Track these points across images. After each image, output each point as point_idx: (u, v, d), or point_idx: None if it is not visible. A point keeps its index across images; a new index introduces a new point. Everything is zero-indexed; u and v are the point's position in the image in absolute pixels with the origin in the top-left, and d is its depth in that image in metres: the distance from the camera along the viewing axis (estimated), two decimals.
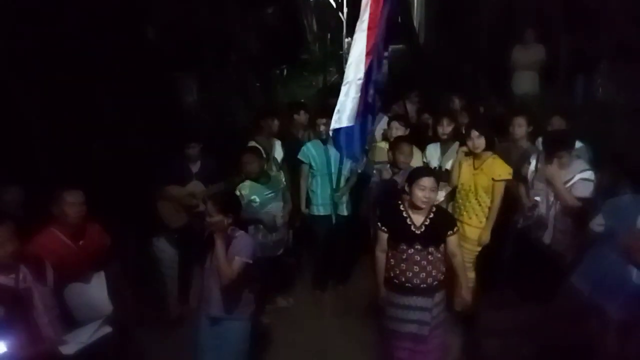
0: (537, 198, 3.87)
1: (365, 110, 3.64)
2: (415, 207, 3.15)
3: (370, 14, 3.51)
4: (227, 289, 3.11)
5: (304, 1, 10.26)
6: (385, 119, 5.24)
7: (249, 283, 3.24)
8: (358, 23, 3.57)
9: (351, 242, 4.75)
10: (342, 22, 12.22)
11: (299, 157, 4.45)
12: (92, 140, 4.84)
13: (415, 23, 10.96)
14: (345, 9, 12.12)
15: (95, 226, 3.35)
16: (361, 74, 3.51)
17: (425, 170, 3.32)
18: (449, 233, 3.20)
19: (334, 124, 3.58)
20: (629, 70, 4.93)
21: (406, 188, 3.21)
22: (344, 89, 3.54)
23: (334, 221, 4.49)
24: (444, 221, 3.23)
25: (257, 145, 4.49)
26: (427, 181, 3.08)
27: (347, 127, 3.57)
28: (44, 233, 3.13)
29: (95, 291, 3.24)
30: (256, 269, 3.86)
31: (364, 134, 3.75)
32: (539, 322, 3.89)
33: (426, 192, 3.07)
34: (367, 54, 3.51)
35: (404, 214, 3.19)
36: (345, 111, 3.53)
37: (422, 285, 3.17)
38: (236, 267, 3.04)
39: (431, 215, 3.18)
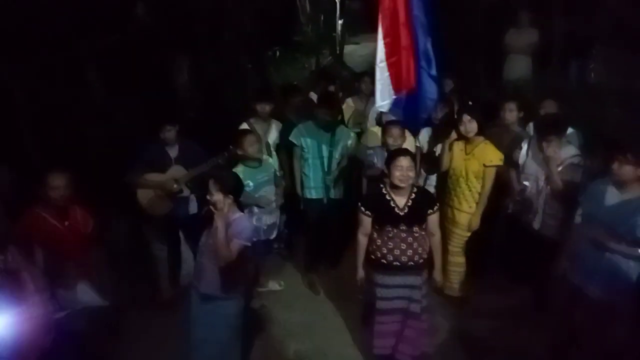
0: (526, 183, 3.90)
1: (419, 82, 3.88)
2: (396, 188, 3.24)
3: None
4: (221, 268, 3.11)
5: None
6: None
7: (242, 263, 3.24)
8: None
9: (343, 225, 4.77)
10: (336, 3, 12.09)
11: (289, 138, 4.42)
12: (80, 123, 4.77)
13: None
14: None
15: (79, 209, 3.41)
16: (381, 56, 3.81)
17: (401, 150, 3.37)
18: (429, 212, 3.31)
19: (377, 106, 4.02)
20: (622, 54, 4.92)
21: (385, 170, 3.33)
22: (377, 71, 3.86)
23: (325, 204, 4.48)
24: (425, 200, 3.35)
25: (252, 128, 4.45)
26: (403, 160, 3.19)
27: (399, 100, 3.91)
28: (30, 214, 3.22)
29: (84, 297, 3.33)
30: (250, 251, 3.87)
31: (421, 104, 3.99)
32: (528, 305, 3.97)
33: (403, 171, 3.18)
34: (383, 37, 3.76)
35: (387, 197, 3.28)
36: (378, 92, 3.89)
37: (409, 263, 3.27)
38: (235, 249, 3.04)
39: (413, 196, 3.28)
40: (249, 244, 3.16)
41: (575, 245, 3.21)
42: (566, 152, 3.71)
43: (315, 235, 4.66)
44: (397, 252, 3.26)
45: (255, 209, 4.10)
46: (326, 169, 4.41)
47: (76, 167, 3.44)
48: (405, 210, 3.25)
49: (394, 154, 3.30)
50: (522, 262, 3.97)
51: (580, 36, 5.65)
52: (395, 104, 4.00)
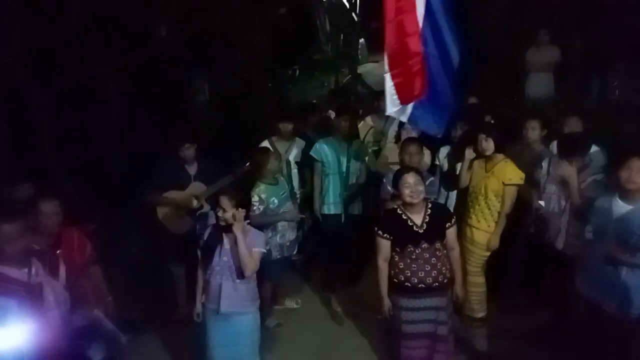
0: (541, 202, 3.85)
1: (434, 88, 3.84)
2: (409, 205, 3.20)
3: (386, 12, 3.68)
4: (241, 283, 3.18)
5: (317, 1, 10.25)
6: (397, 121, 5.21)
7: (260, 276, 3.36)
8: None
9: (361, 242, 4.74)
10: (355, 22, 12.21)
11: (310, 153, 4.47)
12: (101, 141, 4.87)
13: None
14: (358, 10, 12.11)
15: (74, 232, 3.27)
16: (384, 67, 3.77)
17: (405, 168, 3.39)
18: (447, 225, 3.27)
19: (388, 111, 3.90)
20: None
21: (395, 192, 3.32)
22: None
23: (343, 220, 4.48)
24: (441, 214, 3.31)
25: (273, 146, 4.51)
26: (409, 177, 3.18)
27: (417, 107, 3.85)
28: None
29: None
30: (271, 268, 3.94)
31: (439, 110, 3.95)
32: (550, 326, 3.86)
33: (411, 187, 3.15)
34: (387, 48, 3.72)
35: (403, 217, 3.24)
36: (387, 99, 3.80)
37: (434, 284, 3.19)
38: (257, 258, 3.17)
39: (429, 212, 3.24)
40: (265, 251, 3.28)
41: (590, 262, 3.15)
42: (588, 171, 3.64)
43: (333, 251, 4.63)
44: (421, 274, 3.17)
45: (279, 226, 4.08)
46: (345, 184, 4.43)
47: (95, 184, 3.46)
48: (424, 227, 3.19)
49: (398, 174, 3.29)
50: (544, 282, 3.87)
51: (601, 53, 5.58)
52: (412, 113, 3.94)
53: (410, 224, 3.21)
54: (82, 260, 3.27)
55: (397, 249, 3.25)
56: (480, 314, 4.04)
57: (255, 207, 3.86)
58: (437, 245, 3.21)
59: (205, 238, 3.27)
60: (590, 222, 3.21)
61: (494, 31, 7.10)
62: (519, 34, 6.67)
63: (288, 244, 4.18)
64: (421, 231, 3.19)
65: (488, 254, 3.92)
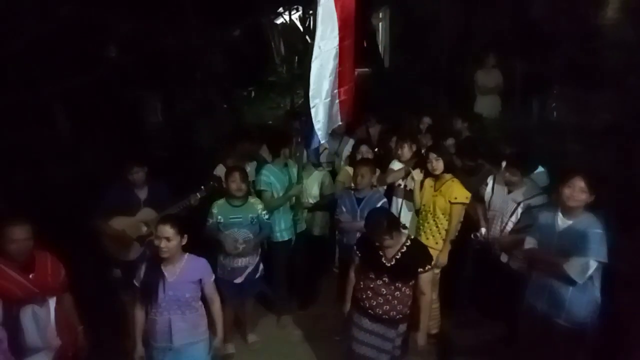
0: (482, 230, 4.00)
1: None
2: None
3: (342, 27, 3.68)
4: (188, 314, 3.10)
5: (271, 24, 10.36)
6: (351, 142, 5.31)
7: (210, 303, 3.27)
8: (320, 43, 3.67)
9: (318, 263, 4.74)
10: (310, 44, 12.39)
11: (257, 188, 4.31)
12: (46, 164, 4.68)
13: (380, 47, 11.23)
14: (312, 33, 12.33)
15: (46, 256, 3.11)
16: (335, 87, 3.76)
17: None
18: (419, 270, 3.08)
19: (314, 144, 3.88)
20: (579, 92, 5.19)
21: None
22: (317, 109, 3.71)
23: (295, 245, 4.48)
24: (417, 256, 3.10)
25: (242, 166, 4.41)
26: None
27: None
28: None
29: (49, 317, 3.06)
30: (230, 292, 3.91)
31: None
32: (502, 340, 3.97)
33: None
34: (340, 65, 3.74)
35: (376, 244, 3.10)
36: (321, 129, 3.79)
37: (384, 317, 3.16)
38: (214, 287, 3.21)
39: (403, 249, 3.08)
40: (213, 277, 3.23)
41: (537, 276, 3.27)
42: (525, 191, 3.80)
43: (287, 277, 4.57)
44: (373, 302, 3.15)
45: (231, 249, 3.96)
46: (296, 207, 4.40)
47: (40, 211, 3.31)
48: (392, 263, 3.07)
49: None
50: (493, 297, 3.99)
51: (540, 76, 5.92)
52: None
53: (381, 254, 3.10)
54: (56, 286, 3.10)
55: (361, 270, 3.25)
56: (434, 331, 4.12)
57: (207, 222, 3.89)
58: (399, 285, 3.07)
59: (142, 276, 3.08)
60: (533, 234, 3.34)
61: (445, 55, 7.41)
62: (467, 58, 6.98)
63: (229, 269, 3.99)
64: (388, 265, 3.08)
65: (437, 271, 4.02)
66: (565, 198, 3.08)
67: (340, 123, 4.00)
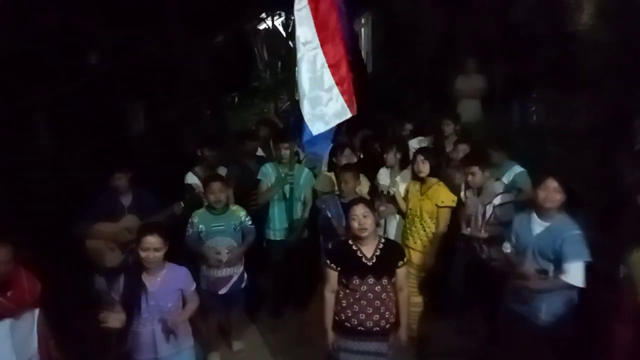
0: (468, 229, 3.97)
1: None
2: (360, 238, 3.11)
3: (321, 30, 3.82)
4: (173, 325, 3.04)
5: (254, 30, 10.38)
6: (330, 147, 5.32)
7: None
8: (301, 42, 3.81)
9: (307, 269, 4.73)
10: (292, 49, 12.42)
11: (258, 177, 4.48)
12: (28, 173, 4.61)
13: (363, 53, 11.31)
14: (295, 38, 12.37)
15: (22, 273, 3.03)
16: (328, 84, 3.86)
17: (354, 200, 3.31)
18: (399, 264, 3.15)
19: (306, 136, 3.91)
20: (559, 95, 5.29)
21: (345, 224, 3.28)
22: (305, 103, 3.82)
23: (288, 246, 4.49)
24: (393, 252, 3.19)
25: (198, 176, 4.42)
26: (357, 209, 3.10)
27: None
28: None
29: (24, 330, 3.02)
30: (213, 302, 3.88)
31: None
32: (486, 342, 4.00)
33: (359, 219, 3.07)
34: (331, 66, 3.85)
35: (354, 247, 3.13)
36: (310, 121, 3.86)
37: (375, 329, 3.08)
38: (195, 297, 3.18)
39: (380, 246, 3.14)
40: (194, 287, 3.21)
41: (514, 276, 3.29)
42: (494, 188, 3.84)
43: (279, 277, 4.62)
44: (362, 316, 3.06)
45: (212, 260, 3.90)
46: (290, 212, 4.44)
47: (23, 220, 3.26)
48: (374, 260, 3.08)
49: (349, 205, 3.24)
50: (478, 299, 4.02)
51: (520, 80, 6.02)
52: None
53: (360, 255, 3.10)
54: (33, 303, 3.04)
55: (344, 281, 3.13)
56: (418, 334, 4.13)
57: (187, 230, 3.85)
58: (384, 282, 3.08)
59: (122, 289, 3.02)
60: (510, 236, 3.38)
61: (427, 60, 7.48)
62: (448, 62, 7.06)
63: (213, 279, 3.93)
64: (370, 264, 3.08)
65: (423, 274, 4.04)
66: (541, 200, 3.13)
67: (351, 114, 4.02)
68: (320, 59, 3.85)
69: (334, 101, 3.92)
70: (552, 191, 3.10)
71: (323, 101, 3.89)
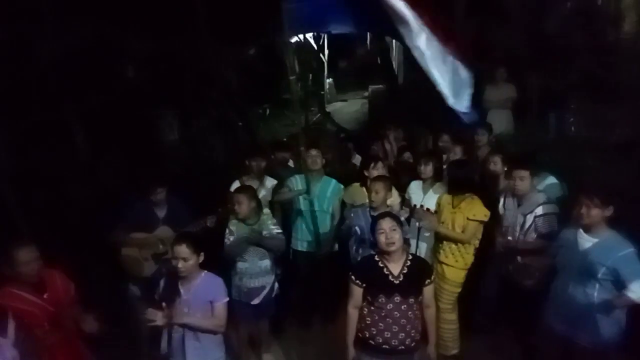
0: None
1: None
2: (387, 254, 3.03)
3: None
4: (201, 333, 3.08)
5: (285, 42, 10.49)
6: (358, 159, 5.30)
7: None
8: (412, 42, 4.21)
9: (334, 280, 4.69)
10: (323, 63, 12.54)
11: (287, 184, 4.50)
12: (67, 183, 4.77)
13: (394, 64, 11.30)
14: (326, 51, 12.49)
15: (55, 274, 3.16)
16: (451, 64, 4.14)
17: (381, 214, 3.23)
18: (427, 282, 3.08)
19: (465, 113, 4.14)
20: (597, 106, 5.15)
21: (372, 238, 3.20)
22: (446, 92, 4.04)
23: (315, 257, 4.46)
24: (421, 269, 3.10)
25: (250, 185, 4.41)
26: (383, 223, 3.03)
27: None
28: (2, 295, 2.96)
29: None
30: (243, 314, 3.88)
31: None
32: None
33: (386, 233, 2.99)
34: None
35: (380, 264, 3.05)
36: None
37: (400, 347, 2.99)
38: (222, 311, 3.10)
39: (408, 264, 3.05)
40: (227, 299, 3.17)
41: (558, 296, 3.20)
42: (535, 199, 3.74)
43: (306, 290, 4.59)
44: (387, 334, 2.97)
45: (239, 267, 3.93)
46: (316, 223, 4.41)
47: (60, 228, 3.36)
48: (401, 279, 2.99)
49: (376, 219, 3.14)
50: (513, 316, 3.91)
51: (557, 91, 5.88)
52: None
53: (387, 272, 3.02)
54: (68, 303, 3.15)
55: (369, 298, 3.04)
56: (454, 352, 4.04)
57: (226, 239, 3.86)
58: (411, 301, 2.99)
59: (160, 292, 3.13)
60: (556, 254, 3.28)
61: None
62: (478, 71, 6.95)
63: (246, 290, 3.93)
64: (397, 282, 2.99)
65: (459, 290, 3.95)
66: (580, 217, 3.05)
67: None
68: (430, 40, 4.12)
69: (459, 72, 4.15)
70: (587, 206, 3.01)
71: (454, 79, 4.10)
